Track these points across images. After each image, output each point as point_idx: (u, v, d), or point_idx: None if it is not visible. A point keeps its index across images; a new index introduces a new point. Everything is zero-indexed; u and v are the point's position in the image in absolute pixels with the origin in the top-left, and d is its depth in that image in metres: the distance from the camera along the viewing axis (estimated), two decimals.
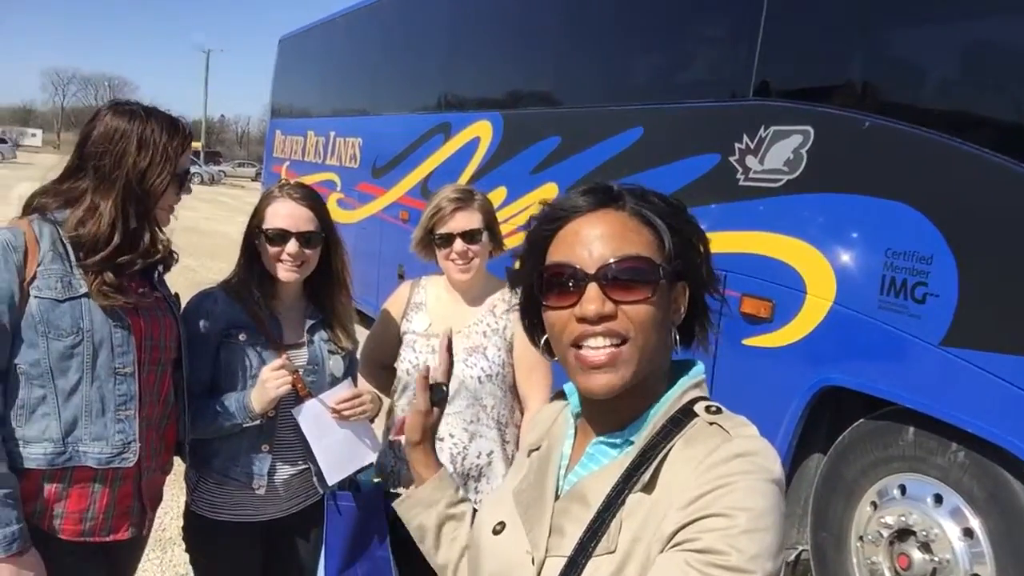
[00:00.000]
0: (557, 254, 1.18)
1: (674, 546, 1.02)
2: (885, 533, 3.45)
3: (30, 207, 2.06)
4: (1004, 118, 3.24)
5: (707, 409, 1.14)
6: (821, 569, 3.78)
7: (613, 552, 1.06)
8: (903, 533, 3.40)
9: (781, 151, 3.88)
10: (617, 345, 1.11)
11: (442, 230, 2.53)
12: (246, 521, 2.39)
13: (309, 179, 10.78)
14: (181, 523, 2.50)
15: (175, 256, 2.26)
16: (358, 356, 2.65)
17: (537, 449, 1.32)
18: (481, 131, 6.65)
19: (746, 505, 1.00)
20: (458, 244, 2.51)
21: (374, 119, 9.18)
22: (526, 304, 1.27)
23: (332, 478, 2.37)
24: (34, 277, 1.93)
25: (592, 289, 1.11)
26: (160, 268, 2.22)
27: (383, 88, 9.21)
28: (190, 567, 2.53)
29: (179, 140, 2.07)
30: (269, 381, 2.24)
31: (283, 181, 2.51)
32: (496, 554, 1.23)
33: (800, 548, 3.94)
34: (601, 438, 1.20)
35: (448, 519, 1.42)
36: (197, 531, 2.44)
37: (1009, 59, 3.22)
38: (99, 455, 1.99)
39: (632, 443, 1.16)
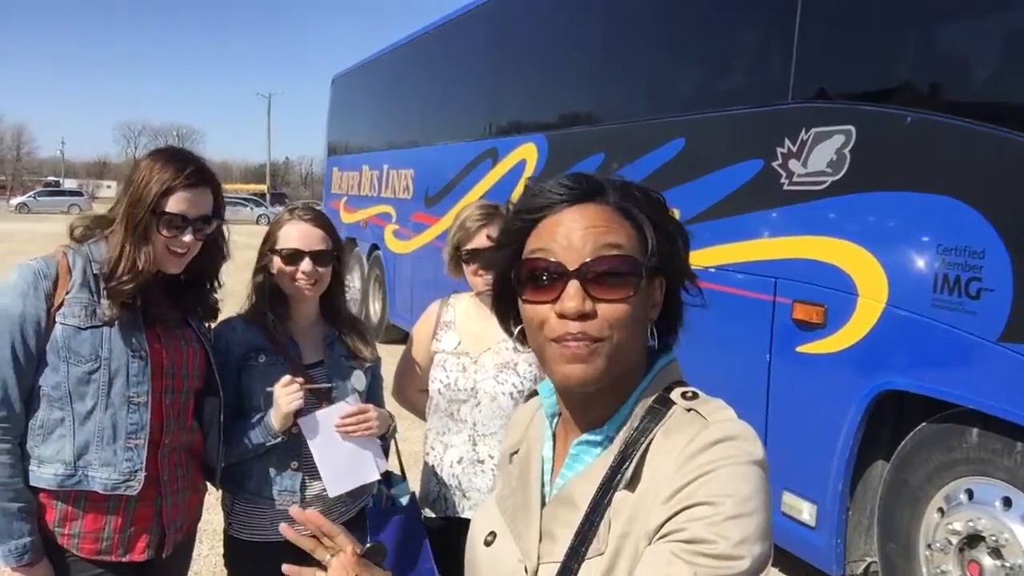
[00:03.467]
0: (537, 244, 1.14)
1: (660, 538, 1.00)
2: (954, 540, 3.32)
3: (71, 230, 2.18)
4: None
5: (683, 395, 1.12)
6: None
7: (603, 553, 1.05)
8: (972, 539, 3.26)
9: (824, 153, 3.81)
10: (594, 341, 1.08)
11: (469, 246, 2.55)
12: (283, 540, 2.41)
13: (366, 212, 10.99)
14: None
15: (217, 289, 2.37)
16: (381, 373, 2.68)
17: (517, 452, 1.30)
18: (527, 153, 6.69)
19: (729, 491, 0.99)
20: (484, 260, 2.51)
21: (424, 150, 9.30)
22: (499, 291, 1.24)
23: (334, 490, 2.39)
24: (61, 304, 2.04)
25: (572, 286, 1.08)
26: (195, 302, 2.30)
27: (431, 119, 9.36)
28: None
29: (157, 181, 2.09)
30: (281, 398, 2.29)
31: (292, 205, 2.59)
32: (490, 565, 1.21)
33: (869, 560, 3.81)
34: (583, 437, 1.17)
35: None
36: (238, 555, 2.48)
37: None
38: (106, 480, 2.07)
39: (612, 439, 1.13)
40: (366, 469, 2.41)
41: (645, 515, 1.03)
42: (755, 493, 1.00)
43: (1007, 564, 3.11)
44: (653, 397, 1.14)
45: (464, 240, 2.56)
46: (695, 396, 1.12)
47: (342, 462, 2.37)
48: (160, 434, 2.15)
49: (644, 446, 1.09)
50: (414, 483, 2.71)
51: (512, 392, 2.53)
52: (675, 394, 1.13)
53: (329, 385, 2.42)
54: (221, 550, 2.58)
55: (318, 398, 2.39)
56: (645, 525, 1.03)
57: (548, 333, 1.10)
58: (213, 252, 2.30)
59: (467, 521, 2.50)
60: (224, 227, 2.31)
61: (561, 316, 1.09)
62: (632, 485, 1.07)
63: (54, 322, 2.03)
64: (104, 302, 2.07)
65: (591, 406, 1.16)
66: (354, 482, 2.41)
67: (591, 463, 1.14)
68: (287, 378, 2.31)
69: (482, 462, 2.55)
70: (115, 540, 2.11)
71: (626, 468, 1.08)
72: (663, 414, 1.11)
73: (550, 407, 1.25)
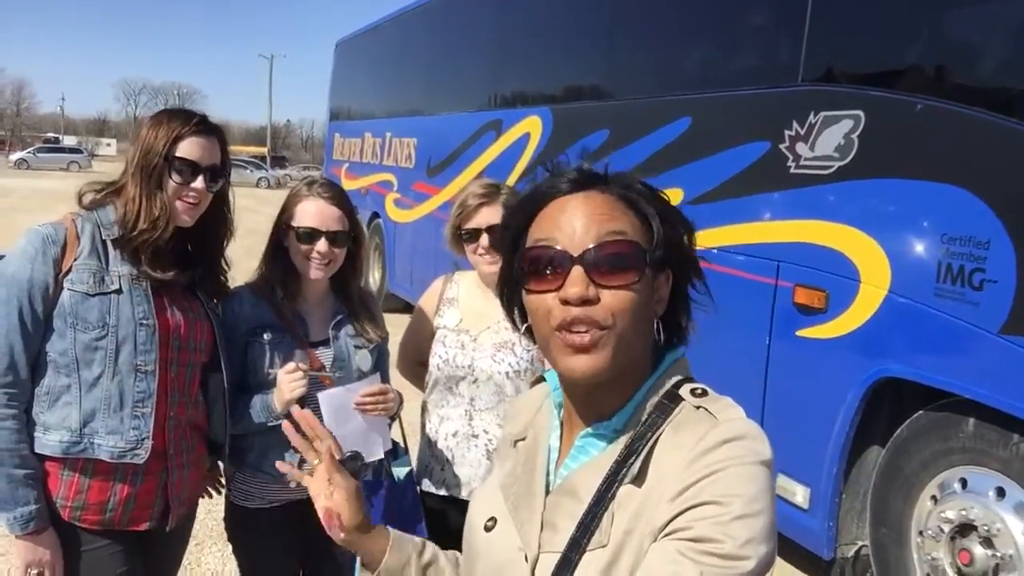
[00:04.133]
0: (539, 233, 1.13)
1: (666, 535, 1.01)
2: (946, 528, 3.34)
3: (79, 197, 2.18)
4: None
5: (692, 392, 1.12)
6: (881, 565, 3.68)
7: (606, 546, 1.05)
8: (965, 528, 3.29)
9: (832, 137, 3.79)
10: (599, 329, 1.08)
11: (469, 225, 2.54)
12: (284, 502, 2.43)
13: (367, 180, 10.94)
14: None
15: (226, 269, 2.39)
16: (390, 349, 2.68)
17: (523, 440, 1.29)
18: (531, 127, 6.65)
19: (737, 491, 0.99)
20: (484, 239, 2.51)
21: (428, 119, 9.25)
22: (505, 283, 1.23)
23: None
24: (69, 270, 2.03)
25: (576, 272, 1.07)
26: (200, 274, 2.29)
27: (436, 88, 9.29)
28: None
29: (165, 129, 2.11)
30: (284, 384, 2.28)
31: (310, 179, 2.55)
32: (489, 552, 1.21)
33: (860, 544, 3.84)
34: (589, 429, 1.16)
35: (428, 567, 1.34)
36: (237, 520, 2.51)
37: None
38: (112, 448, 2.07)
39: (619, 432, 1.13)
40: (373, 447, 2.42)
41: (651, 512, 1.03)
42: (762, 493, 1.00)
43: (998, 554, 3.14)
44: (662, 392, 1.13)
45: (464, 219, 2.55)
46: (704, 393, 1.12)
47: (352, 439, 2.37)
48: (166, 406, 2.15)
49: (652, 442, 1.08)
50: (413, 456, 2.73)
51: (508, 372, 2.54)
52: (684, 391, 1.12)
53: (333, 374, 2.40)
54: (215, 514, 2.60)
55: (322, 382, 2.38)
56: (651, 522, 1.03)
57: (552, 322, 1.09)
58: (219, 217, 2.29)
59: (461, 501, 2.55)
60: (230, 194, 2.31)
61: (564, 303, 1.08)
62: (638, 480, 1.07)
63: (62, 288, 2.02)
64: (113, 270, 2.07)
65: (596, 399, 1.15)
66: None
67: (596, 456, 1.14)
68: (291, 364, 2.30)
69: (476, 436, 2.58)
70: (118, 512, 2.12)
71: (632, 462, 1.08)
72: (671, 410, 1.11)
73: (558, 396, 1.24)
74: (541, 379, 1.36)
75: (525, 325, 1.20)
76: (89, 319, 2.03)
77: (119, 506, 2.11)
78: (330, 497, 1.37)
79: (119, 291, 2.06)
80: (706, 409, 1.09)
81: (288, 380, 2.27)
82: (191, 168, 2.11)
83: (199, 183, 2.12)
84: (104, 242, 2.08)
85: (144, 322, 2.08)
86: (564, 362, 1.09)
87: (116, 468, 2.09)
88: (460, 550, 1.37)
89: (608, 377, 1.09)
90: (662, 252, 1.12)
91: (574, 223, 1.10)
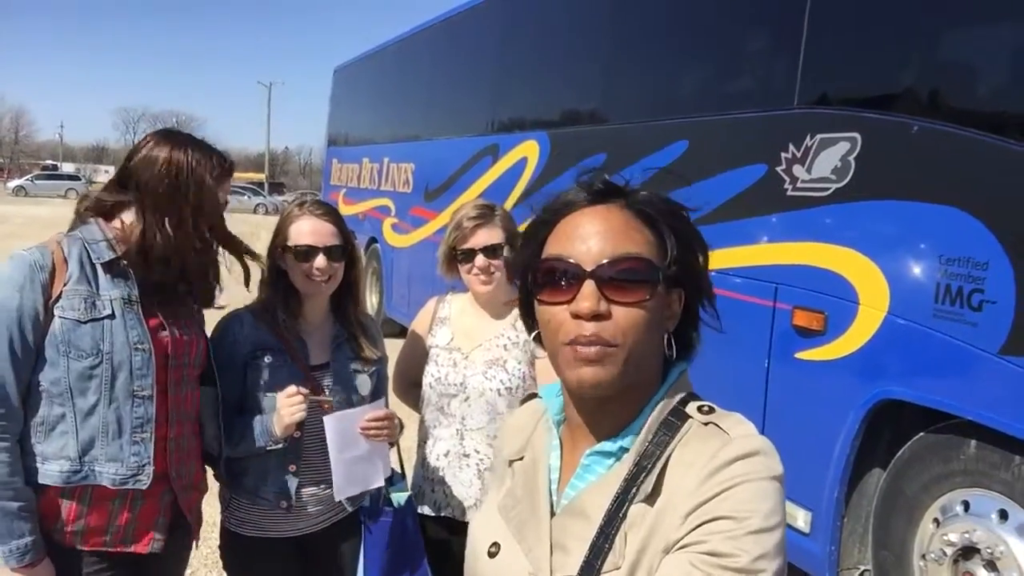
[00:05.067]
0: (554, 247, 1.14)
1: (680, 549, 1.00)
2: (949, 551, 3.31)
3: (78, 214, 2.15)
4: None
5: (699, 409, 1.12)
6: None
7: (620, 567, 1.04)
8: (968, 551, 3.25)
9: (828, 159, 3.80)
10: (607, 347, 1.08)
11: (464, 246, 2.55)
12: (281, 537, 2.41)
13: (365, 205, 10.96)
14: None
15: (219, 285, 2.35)
16: (389, 373, 2.67)
17: (519, 460, 1.27)
18: (528, 151, 6.67)
19: (751, 507, 0.99)
20: (479, 259, 2.53)
21: (425, 144, 9.27)
22: (523, 295, 1.24)
23: (341, 493, 2.38)
24: (59, 296, 1.98)
25: (588, 287, 1.08)
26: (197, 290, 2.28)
27: (433, 113, 9.32)
28: None
29: (205, 165, 2.12)
30: (283, 409, 2.27)
31: (301, 199, 2.57)
32: None
33: (862, 568, 3.80)
34: (595, 447, 1.15)
35: None
36: (233, 549, 2.48)
37: None
38: (114, 476, 2.03)
39: (626, 451, 1.12)
40: (374, 474, 2.41)
41: (664, 530, 1.03)
42: (775, 509, 1.01)
43: None
44: (668, 410, 1.12)
45: (460, 240, 2.56)
46: (712, 410, 1.12)
47: (354, 465, 2.36)
48: (166, 428, 2.12)
49: (663, 459, 1.07)
50: (409, 479, 2.72)
51: (500, 388, 2.55)
52: (691, 408, 1.12)
53: (332, 398, 2.40)
54: (211, 541, 2.57)
55: (321, 407, 2.37)
56: (664, 540, 1.02)
57: (563, 336, 1.09)
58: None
59: (457, 522, 2.53)
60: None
61: (576, 317, 1.08)
62: (650, 499, 1.06)
63: (52, 315, 1.98)
64: (104, 294, 2.03)
65: (604, 414, 1.14)
66: (363, 486, 2.41)
67: (604, 475, 1.13)
68: (292, 388, 2.29)
69: (467, 456, 2.58)
70: (119, 534, 2.09)
71: (643, 481, 1.07)
72: (679, 428, 1.10)
73: (556, 413, 1.23)
74: (532, 396, 1.34)
75: (535, 332, 1.19)
76: (82, 347, 1.98)
77: (121, 529, 2.08)
78: None
79: (112, 316, 2.02)
80: (716, 425, 1.09)
81: (288, 404, 2.26)
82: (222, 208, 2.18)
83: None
84: (94, 265, 2.04)
85: (139, 346, 2.05)
86: (572, 373, 1.09)
87: (117, 494, 2.06)
88: None
89: (615, 390, 1.09)
90: (675, 271, 1.12)
91: (589, 238, 1.11)
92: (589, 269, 1.08)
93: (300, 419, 2.26)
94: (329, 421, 2.31)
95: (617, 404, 1.13)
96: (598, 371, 1.07)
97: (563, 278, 1.10)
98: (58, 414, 2.00)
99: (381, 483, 2.43)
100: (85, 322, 1.99)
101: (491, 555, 1.20)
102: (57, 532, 2.03)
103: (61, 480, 2.00)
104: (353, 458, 2.34)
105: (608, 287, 1.08)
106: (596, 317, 1.07)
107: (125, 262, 2.07)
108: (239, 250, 2.29)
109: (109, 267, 2.05)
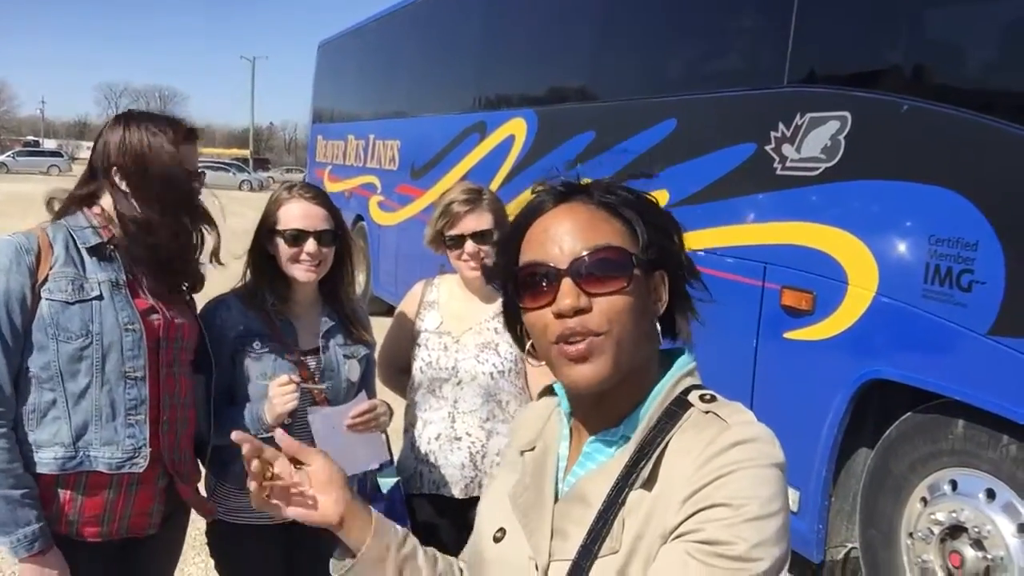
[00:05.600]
0: (528, 254, 1.16)
1: (676, 537, 1.00)
2: (936, 530, 3.33)
3: (49, 204, 2.14)
4: None
5: (701, 398, 1.12)
6: (871, 568, 3.67)
7: (617, 552, 1.04)
8: (955, 530, 3.28)
9: (818, 138, 3.78)
10: (595, 336, 1.08)
11: (452, 232, 2.53)
12: (268, 523, 2.40)
13: (351, 182, 10.90)
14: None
15: (201, 267, 2.31)
16: (375, 358, 2.65)
17: (531, 450, 1.28)
18: (516, 129, 6.62)
19: (748, 493, 0.99)
20: (469, 245, 2.51)
21: (412, 121, 9.21)
22: (508, 310, 1.25)
23: None
24: (46, 280, 1.96)
25: (566, 284, 1.09)
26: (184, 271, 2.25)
27: (419, 89, 9.25)
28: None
29: (158, 137, 2.09)
30: (276, 397, 2.24)
31: (290, 183, 2.53)
32: (499, 562, 1.20)
33: (849, 546, 3.83)
34: (597, 436, 1.17)
35: (405, 561, 1.28)
36: (220, 536, 2.47)
37: None
38: (110, 460, 2.02)
39: (628, 439, 1.13)
40: (367, 461, 2.39)
41: (661, 515, 1.03)
42: (775, 496, 1.00)
43: (989, 556, 3.13)
44: (671, 399, 1.13)
45: (448, 226, 2.54)
46: (713, 399, 1.12)
47: (345, 456, 2.34)
48: (158, 410, 2.10)
49: (661, 446, 1.08)
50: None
51: (492, 372, 2.54)
52: (692, 396, 1.13)
53: (324, 386, 2.37)
54: (198, 523, 2.55)
55: (312, 395, 2.35)
56: (661, 525, 1.03)
57: (549, 336, 1.11)
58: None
59: (446, 499, 2.53)
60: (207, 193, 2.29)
61: (559, 316, 1.09)
62: (648, 485, 1.06)
63: (39, 298, 1.95)
64: (92, 276, 2.01)
65: (603, 406, 1.16)
66: (358, 468, 2.38)
67: (605, 462, 1.14)
68: (284, 377, 2.26)
69: (459, 439, 2.57)
70: (117, 523, 2.07)
71: (642, 467, 1.07)
72: (680, 416, 1.11)
73: (568, 406, 1.25)
74: (549, 390, 1.35)
75: (529, 343, 1.20)
76: (71, 328, 1.96)
77: (116, 517, 2.07)
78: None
79: (100, 297, 1.99)
80: (715, 414, 1.09)
81: (280, 393, 2.23)
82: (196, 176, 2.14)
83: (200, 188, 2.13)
84: (80, 250, 2.02)
85: (130, 327, 2.02)
86: (566, 373, 1.11)
87: (113, 478, 2.04)
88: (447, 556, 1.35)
89: (612, 383, 1.10)
90: (650, 254, 1.13)
91: (558, 238, 1.12)
92: (563, 267, 1.10)
93: (292, 408, 2.24)
94: (314, 418, 2.29)
95: (616, 395, 1.13)
96: (590, 368, 1.08)
97: (542, 281, 1.12)
98: (49, 400, 1.98)
99: (376, 465, 2.42)
100: (73, 303, 1.97)
101: (496, 540, 1.22)
102: (53, 521, 1.99)
103: (57, 467, 1.98)
104: (343, 450, 2.32)
105: (585, 281, 1.09)
106: (578, 312, 1.08)
107: (112, 247, 2.05)
108: (209, 221, 2.26)
109: (95, 251, 2.03)
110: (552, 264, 1.11)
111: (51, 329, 1.95)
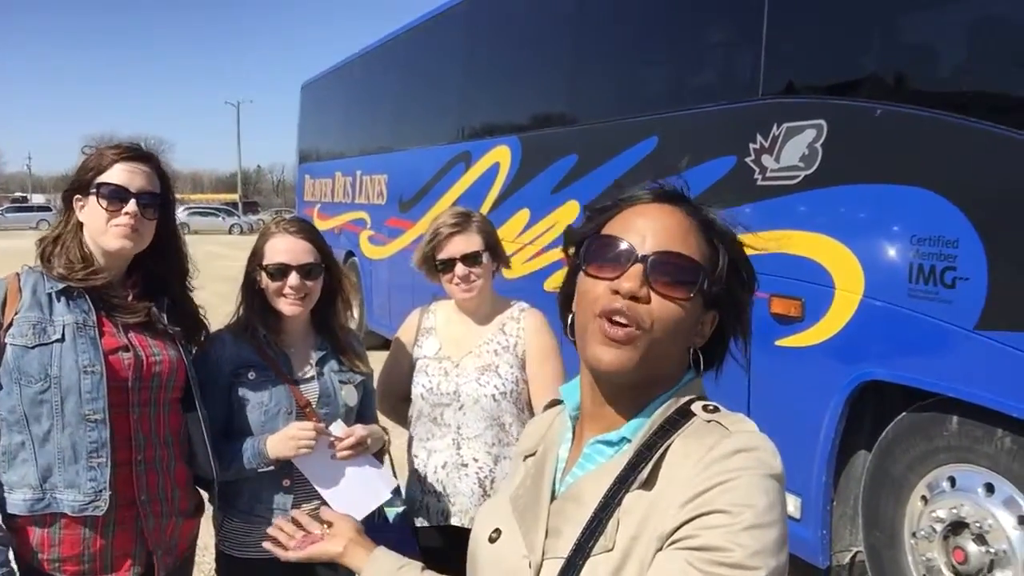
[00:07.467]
0: (613, 229, 1.17)
1: (673, 543, 1.01)
2: (938, 527, 3.34)
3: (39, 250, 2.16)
4: (1013, 93, 3.15)
5: (705, 408, 1.14)
6: (877, 570, 3.67)
7: (611, 551, 1.05)
8: (957, 526, 3.29)
9: (796, 147, 3.83)
10: (636, 328, 1.10)
11: (442, 255, 2.54)
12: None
13: (340, 219, 10.93)
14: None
15: (195, 304, 2.34)
16: (374, 386, 2.65)
17: (532, 455, 1.31)
18: (500, 156, 6.67)
19: (748, 502, 0.99)
20: (459, 268, 2.52)
21: (397, 155, 9.26)
22: (567, 279, 1.26)
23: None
24: (10, 325, 2.00)
25: (636, 269, 1.11)
26: (167, 302, 2.25)
27: (403, 123, 9.32)
28: None
29: (95, 157, 2.12)
30: (294, 439, 2.25)
31: (278, 217, 2.55)
32: (493, 562, 1.21)
33: (855, 550, 3.83)
34: (598, 437, 1.18)
35: None
36: (230, 571, 2.45)
37: (1019, 34, 3.14)
38: (73, 502, 2.02)
39: (629, 442, 1.14)
40: (374, 491, 2.37)
41: (659, 518, 1.04)
42: (773, 506, 1.01)
43: (992, 550, 3.14)
44: (674, 408, 1.15)
45: (438, 249, 2.55)
46: (716, 409, 1.14)
47: (349, 490, 2.33)
48: (130, 451, 2.09)
49: (662, 450, 1.09)
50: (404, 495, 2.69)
51: (494, 394, 2.53)
52: (696, 406, 1.14)
53: (319, 411, 2.38)
54: (203, 565, 2.55)
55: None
56: (658, 528, 1.03)
57: (596, 307, 1.12)
58: (170, 248, 2.26)
59: (456, 529, 2.51)
60: (180, 226, 2.31)
61: (615, 293, 1.11)
62: (647, 486, 1.07)
63: (3, 344, 1.99)
64: (57, 319, 2.02)
65: (616, 401, 1.17)
66: (367, 507, 2.35)
67: (604, 463, 1.15)
68: (312, 423, 2.28)
69: (466, 466, 2.55)
70: (97, 563, 2.07)
71: (641, 469, 1.08)
72: (683, 423, 1.12)
73: (573, 409, 1.26)
74: (556, 403, 1.37)
75: (570, 317, 1.21)
76: (31, 372, 1.99)
77: (96, 557, 2.07)
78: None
79: (61, 340, 2.00)
80: (718, 422, 1.10)
81: (301, 436, 2.25)
82: (119, 193, 2.06)
83: (130, 206, 2.06)
84: (48, 293, 2.04)
85: (90, 368, 2.01)
86: (595, 349, 1.12)
87: (84, 520, 2.04)
88: None
89: (631, 377, 1.12)
90: (718, 290, 1.15)
91: (647, 228, 1.14)
92: (641, 254, 1.12)
93: (305, 454, 2.26)
94: (301, 465, 2.30)
95: (628, 395, 1.16)
96: (620, 352, 1.10)
97: (617, 257, 1.13)
98: (18, 442, 2.01)
99: (388, 496, 2.41)
100: (33, 347, 1.99)
101: (491, 540, 1.23)
102: (36, 561, 2.02)
103: (26, 509, 2.00)
104: (344, 484, 2.32)
105: (653, 275, 1.11)
106: (634, 299, 1.10)
107: (78, 288, 2.06)
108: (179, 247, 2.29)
109: (64, 292, 2.05)
110: (633, 247, 1.12)
111: (15, 373, 1.99)
